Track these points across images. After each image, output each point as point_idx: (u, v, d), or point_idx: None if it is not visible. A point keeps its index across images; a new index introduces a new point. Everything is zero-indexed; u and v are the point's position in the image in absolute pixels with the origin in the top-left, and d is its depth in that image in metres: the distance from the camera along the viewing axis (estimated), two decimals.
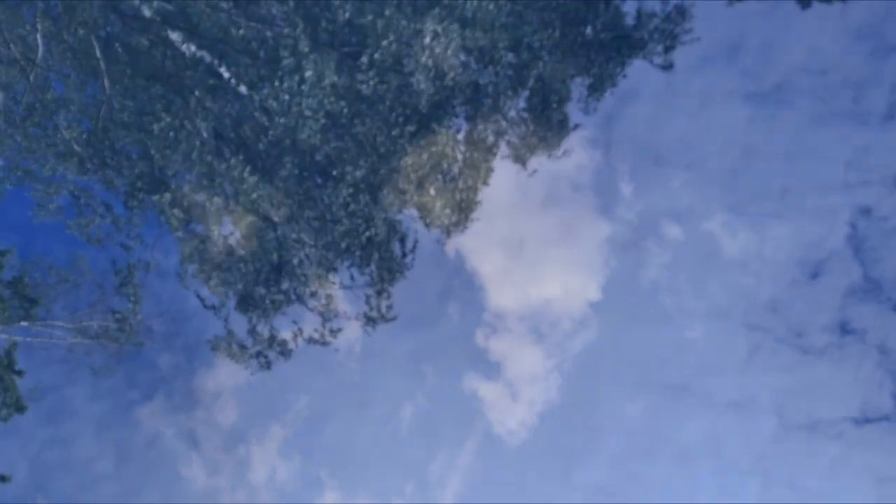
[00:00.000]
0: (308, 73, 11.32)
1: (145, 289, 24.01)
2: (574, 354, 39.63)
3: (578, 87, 19.68)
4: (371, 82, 12.52)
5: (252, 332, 21.08)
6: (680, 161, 34.35)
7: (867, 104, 32.51)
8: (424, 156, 14.95)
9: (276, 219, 15.53)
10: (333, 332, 21.09)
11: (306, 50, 11.33)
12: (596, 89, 20.12)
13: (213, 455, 37.57)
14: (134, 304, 18.18)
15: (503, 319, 38.85)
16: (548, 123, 20.08)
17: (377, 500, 38.07)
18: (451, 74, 15.60)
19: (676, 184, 34.30)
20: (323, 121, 12.00)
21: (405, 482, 38.46)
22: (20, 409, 21.07)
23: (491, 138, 19.38)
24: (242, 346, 21.24)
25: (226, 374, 34.03)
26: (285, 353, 21.60)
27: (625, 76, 20.71)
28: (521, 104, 19.26)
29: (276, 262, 17.11)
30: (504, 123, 19.41)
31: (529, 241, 36.02)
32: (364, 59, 12.59)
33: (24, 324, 21.88)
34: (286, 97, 11.64)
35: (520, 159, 21.24)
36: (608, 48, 18.46)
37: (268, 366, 21.83)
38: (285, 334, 21.62)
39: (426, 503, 38.50)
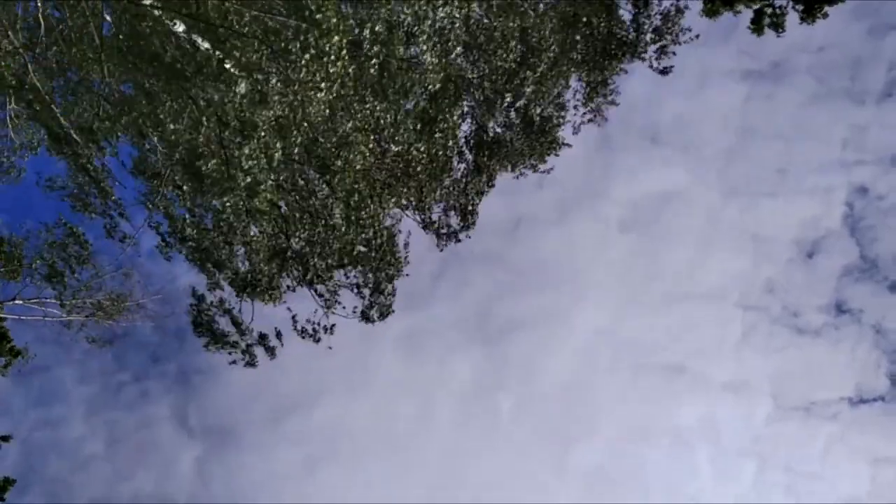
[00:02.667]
0: (311, 56, 12.27)
1: (136, 268, 25.18)
2: (572, 336, 40.87)
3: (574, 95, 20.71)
4: (377, 56, 13.42)
5: (238, 325, 21.78)
6: (677, 141, 35.36)
7: (864, 83, 33.59)
8: (427, 146, 15.85)
9: (281, 205, 16.46)
10: (328, 329, 21.70)
11: (311, 36, 12.31)
12: (591, 93, 20.95)
13: (205, 437, 38.79)
14: None
15: (501, 300, 39.96)
16: (537, 136, 21.02)
17: (371, 483, 39.31)
18: (457, 50, 16.35)
19: (673, 164, 35.40)
20: (332, 96, 12.82)
21: (399, 464, 39.75)
22: (16, 354, 22.50)
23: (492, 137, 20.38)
24: (229, 339, 21.94)
25: (218, 355, 35.08)
26: (270, 351, 22.24)
27: (624, 74, 21.51)
28: (513, 115, 20.18)
29: (281, 246, 18.07)
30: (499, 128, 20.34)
31: (525, 223, 36.94)
32: (367, 33, 13.52)
33: (18, 302, 23.06)
34: (292, 78, 12.62)
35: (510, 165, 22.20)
36: (604, 48, 19.31)
37: (253, 363, 22.49)
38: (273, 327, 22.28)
39: (420, 484, 39.76)
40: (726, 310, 38.01)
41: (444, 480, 40.02)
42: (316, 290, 20.75)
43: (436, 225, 20.61)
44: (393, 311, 21.58)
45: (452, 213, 20.60)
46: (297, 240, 17.62)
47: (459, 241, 21.21)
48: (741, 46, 33.46)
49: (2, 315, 22.32)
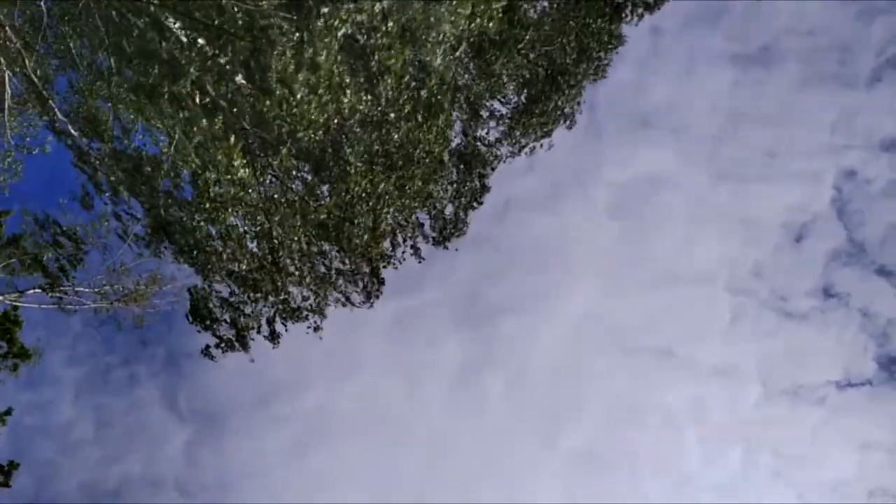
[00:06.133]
0: (307, 58, 13.40)
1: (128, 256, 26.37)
2: (560, 319, 42.32)
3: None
4: (379, 57, 14.58)
5: (237, 318, 22.99)
6: (665, 125, 36.69)
7: (853, 67, 35.05)
8: (423, 149, 16.96)
9: (270, 210, 17.63)
10: (319, 312, 22.98)
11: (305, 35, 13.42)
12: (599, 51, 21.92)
13: (194, 420, 40.28)
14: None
15: (490, 283, 41.32)
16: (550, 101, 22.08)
17: (361, 464, 40.84)
18: (462, 47, 17.42)
19: (662, 148, 36.73)
20: (323, 118, 13.95)
21: (388, 446, 41.27)
22: (26, 357, 24.01)
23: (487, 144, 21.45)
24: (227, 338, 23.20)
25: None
26: (274, 338, 23.51)
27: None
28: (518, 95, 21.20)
29: (270, 255, 19.31)
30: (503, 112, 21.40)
31: (514, 206, 38.19)
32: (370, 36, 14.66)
33: (38, 291, 24.29)
34: (285, 91, 13.80)
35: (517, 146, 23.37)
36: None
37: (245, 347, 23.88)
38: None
39: (409, 465, 41.29)
40: (715, 294, 39.62)
41: (434, 462, 41.58)
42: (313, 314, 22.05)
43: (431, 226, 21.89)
44: (380, 294, 22.91)
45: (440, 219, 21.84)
46: (287, 254, 18.83)
47: (447, 247, 22.54)
48: (729, 31, 34.87)
49: (19, 304, 23.61)
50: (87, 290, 24.89)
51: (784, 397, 40.45)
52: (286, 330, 22.88)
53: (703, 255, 39.15)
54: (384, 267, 21.69)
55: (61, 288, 24.39)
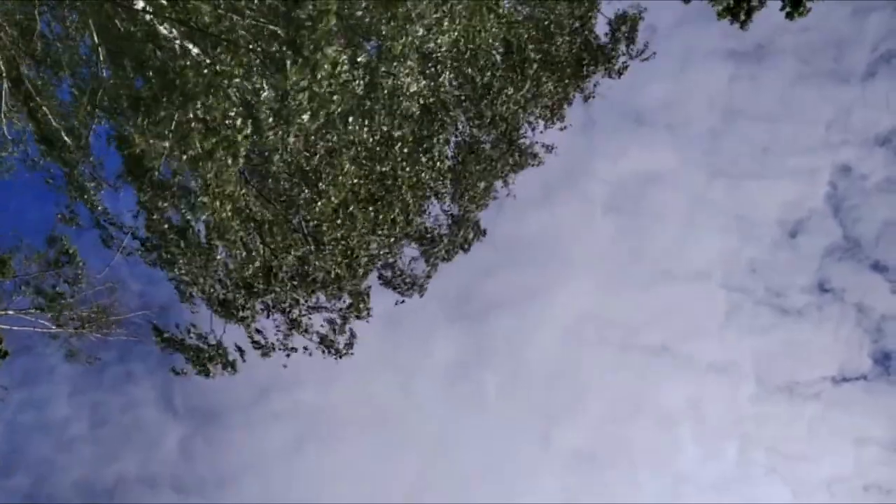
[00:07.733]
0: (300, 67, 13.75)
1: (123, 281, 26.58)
2: (556, 316, 42.82)
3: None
4: (363, 80, 14.96)
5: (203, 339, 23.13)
6: (661, 121, 37.15)
7: (848, 63, 35.55)
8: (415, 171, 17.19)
9: (259, 221, 17.87)
10: (287, 350, 23.20)
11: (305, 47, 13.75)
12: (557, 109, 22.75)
13: (190, 418, 40.75)
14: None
15: (485, 280, 41.76)
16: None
17: (358, 461, 41.38)
18: (445, 75, 17.80)
19: (657, 145, 37.20)
20: (318, 119, 14.24)
21: (385, 443, 41.82)
22: (3, 355, 24.33)
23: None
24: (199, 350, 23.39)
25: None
26: (229, 365, 23.62)
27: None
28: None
29: (260, 267, 19.52)
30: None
31: (508, 203, 38.55)
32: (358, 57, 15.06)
33: (10, 312, 24.47)
34: (278, 93, 14.12)
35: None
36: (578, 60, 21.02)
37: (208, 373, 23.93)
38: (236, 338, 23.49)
39: (406, 463, 41.84)
40: (710, 290, 40.13)
41: (429, 460, 42.08)
42: (289, 318, 22.30)
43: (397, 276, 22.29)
44: (352, 354, 23.31)
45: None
46: (273, 259, 19.13)
47: (404, 301, 22.92)
48: (724, 27, 35.17)
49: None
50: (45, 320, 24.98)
51: (780, 393, 41.04)
52: (244, 361, 23.19)
53: (699, 251, 39.69)
54: (357, 317, 21.93)
55: (28, 310, 24.50)
